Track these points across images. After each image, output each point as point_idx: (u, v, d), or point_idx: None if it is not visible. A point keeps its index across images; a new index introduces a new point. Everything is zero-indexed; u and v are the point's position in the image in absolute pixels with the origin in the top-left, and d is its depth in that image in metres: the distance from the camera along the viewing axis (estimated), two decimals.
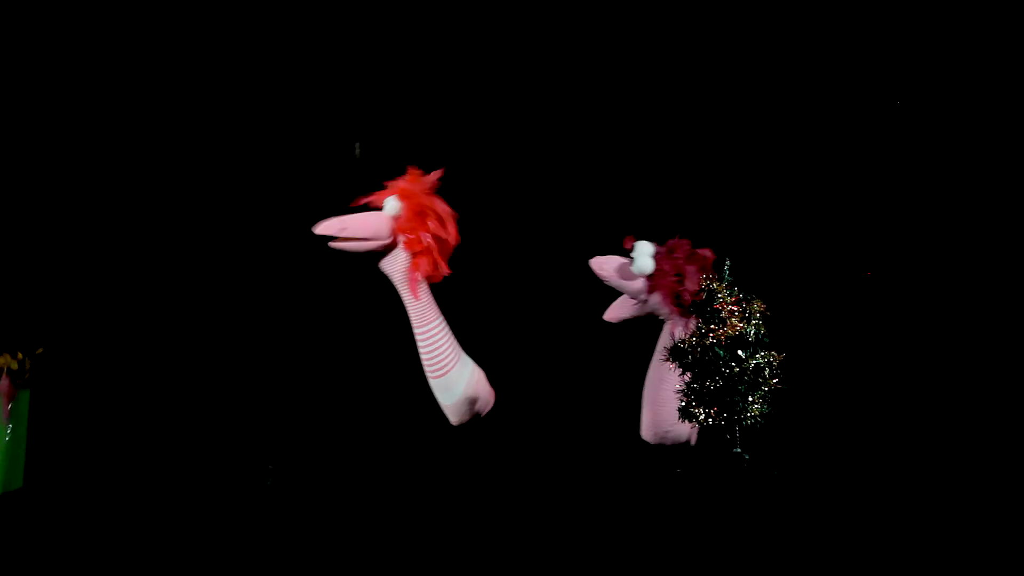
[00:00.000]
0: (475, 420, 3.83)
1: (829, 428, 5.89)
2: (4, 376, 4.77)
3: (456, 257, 4.82)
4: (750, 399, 5.71)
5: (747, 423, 5.71)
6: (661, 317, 3.11)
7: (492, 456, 5.12)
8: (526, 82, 6.17)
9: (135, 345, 5.89)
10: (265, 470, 5.05)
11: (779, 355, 5.83)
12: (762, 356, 5.82)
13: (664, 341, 3.16)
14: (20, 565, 4.09)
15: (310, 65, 5.88)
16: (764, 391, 5.77)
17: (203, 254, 5.85)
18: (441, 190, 4.62)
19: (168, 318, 5.84)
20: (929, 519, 4.52)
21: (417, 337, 3.31)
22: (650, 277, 3.12)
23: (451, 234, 3.47)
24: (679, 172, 6.28)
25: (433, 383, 3.40)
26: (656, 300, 3.09)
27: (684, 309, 3.19)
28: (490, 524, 4.42)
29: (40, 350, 5.08)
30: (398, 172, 4.68)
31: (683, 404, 5.37)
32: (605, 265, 3.19)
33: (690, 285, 3.21)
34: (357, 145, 5.37)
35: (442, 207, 3.37)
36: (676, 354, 4.88)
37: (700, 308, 5.89)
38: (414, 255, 3.30)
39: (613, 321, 3.24)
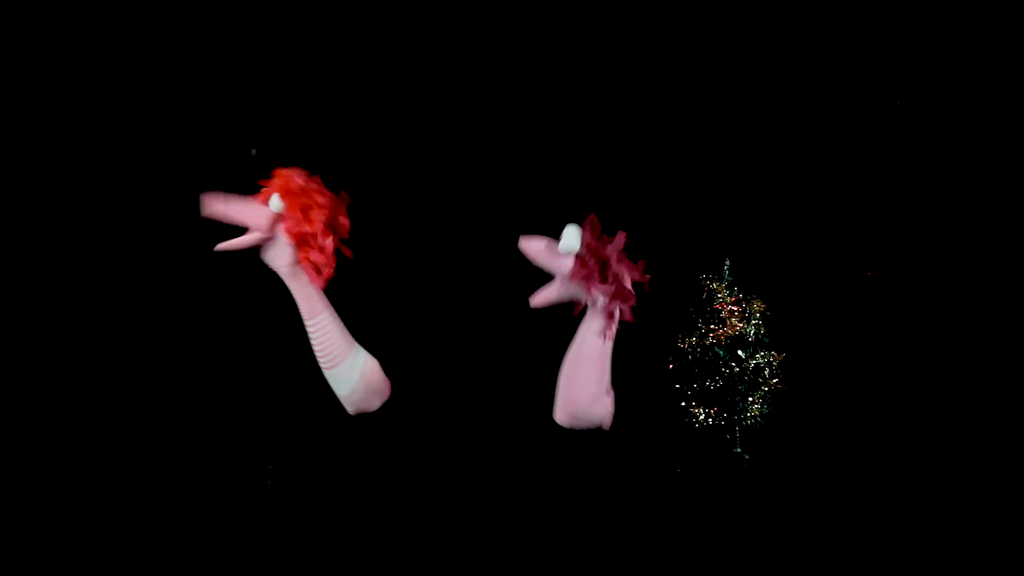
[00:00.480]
0: (376, 409, 3.81)
1: (829, 428, 5.89)
2: None
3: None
4: (750, 399, 5.73)
5: (747, 423, 5.73)
6: (584, 301, 3.08)
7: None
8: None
9: None
10: (266, 470, 5.04)
11: (779, 355, 5.85)
12: (762, 356, 5.84)
13: (586, 324, 3.12)
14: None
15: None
16: (764, 391, 5.79)
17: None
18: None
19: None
20: (929, 518, 4.52)
21: (307, 330, 3.31)
22: (577, 257, 3.09)
23: (341, 224, 3.44)
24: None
25: (326, 374, 3.42)
26: (578, 282, 3.07)
27: (608, 291, 3.15)
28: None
29: None
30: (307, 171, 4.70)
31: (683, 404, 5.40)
32: (534, 244, 3.14)
33: (618, 269, 3.16)
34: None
35: (326, 198, 3.34)
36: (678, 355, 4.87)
37: (700, 308, 5.93)
38: (299, 247, 3.30)
39: (540, 305, 3.20)
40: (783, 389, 5.71)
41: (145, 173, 5.44)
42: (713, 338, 5.71)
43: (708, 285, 6.01)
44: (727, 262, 6.08)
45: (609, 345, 3.27)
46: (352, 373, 3.48)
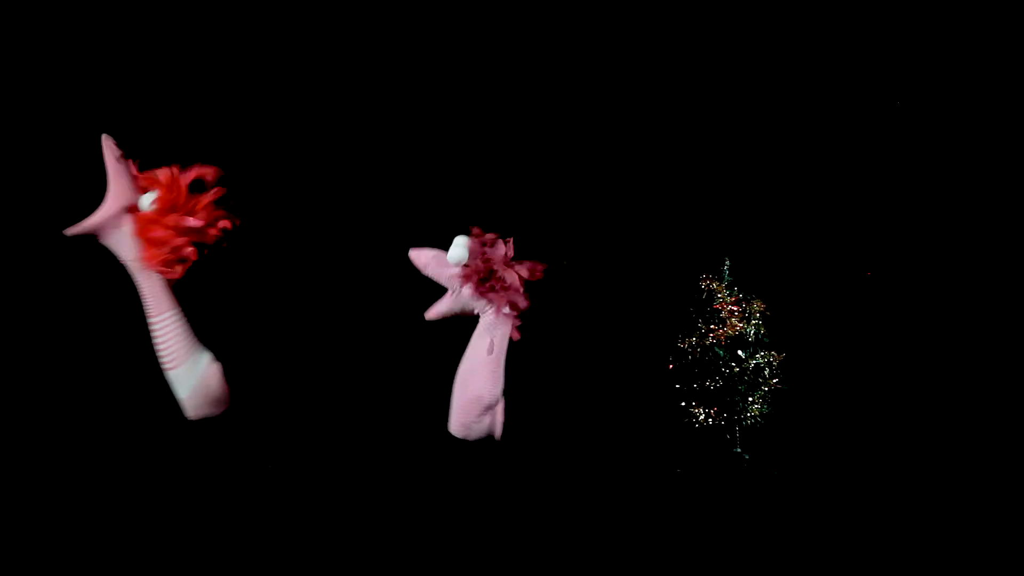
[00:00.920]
0: (215, 415, 3.77)
1: (829, 428, 5.90)
2: None
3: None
4: (750, 399, 5.73)
5: (747, 423, 5.73)
6: (476, 311, 3.06)
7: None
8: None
9: None
10: (266, 468, 5.04)
11: (779, 355, 5.85)
12: (762, 356, 5.84)
13: (477, 335, 3.09)
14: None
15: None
16: (764, 391, 5.79)
17: None
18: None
19: None
20: (929, 518, 4.52)
21: (150, 327, 3.27)
22: (465, 266, 3.07)
23: (200, 226, 3.35)
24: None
25: (166, 375, 3.37)
26: (468, 292, 3.05)
27: (499, 299, 3.14)
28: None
29: None
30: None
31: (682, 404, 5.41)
32: (423, 255, 3.12)
33: (505, 275, 3.14)
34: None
35: (197, 200, 3.28)
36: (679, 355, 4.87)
37: (700, 308, 5.93)
38: (146, 243, 3.24)
39: (435, 318, 3.16)
40: (783, 389, 5.71)
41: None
42: (713, 338, 5.71)
43: (708, 285, 6.01)
44: (727, 262, 6.08)
45: (502, 355, 3.25)
46: (191, 377, 3.42)
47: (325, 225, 5.58)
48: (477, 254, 3.17)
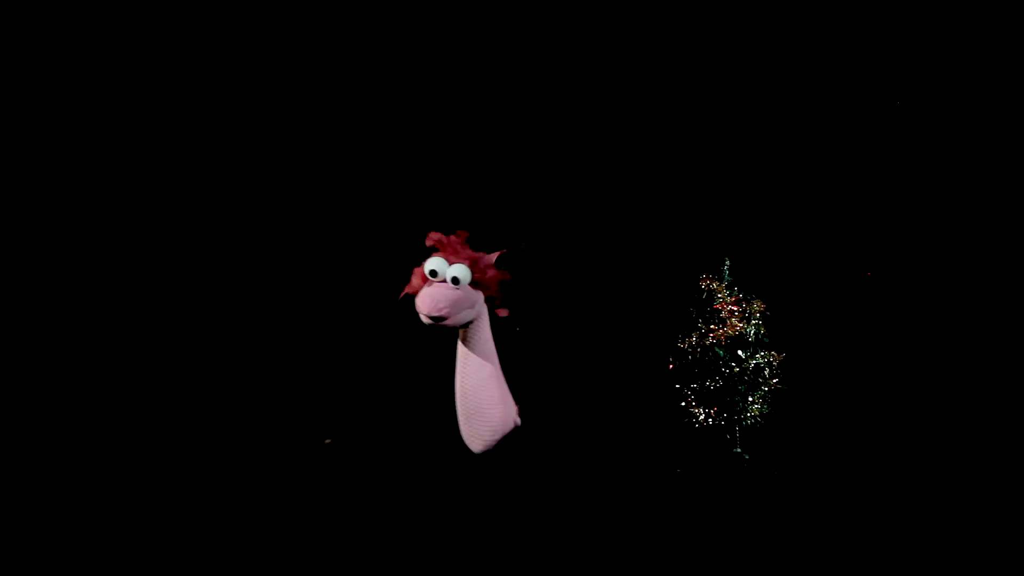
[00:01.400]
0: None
1: (829, 428, 5.90)
2: None
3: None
4: (750, 399, 5.73)
5: (747, 423, 5.73)
6: (469, 323, 3.00)
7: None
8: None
9: None
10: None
11: (779, 355, 5.85)
12: (762, 356, 5.84)
13: (470, 347, 3.01)
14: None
15: None
16: (764, 391, 5.79)
17: None
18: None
19: None
20: (929, 519, 4.52)
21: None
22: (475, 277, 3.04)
23: None
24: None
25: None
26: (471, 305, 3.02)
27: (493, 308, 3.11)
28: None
29: None
30: None
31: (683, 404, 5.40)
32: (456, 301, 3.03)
33: (489, 273, 3.12)
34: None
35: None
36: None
37: (700, 308, 5.91)
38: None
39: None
40: (783, 389, 5.71)
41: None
42: (713, 338, 5.70)
43: (708, 285, 6.01)
44: (727, 262, 6.07)
45: (497, 359, 3.19)
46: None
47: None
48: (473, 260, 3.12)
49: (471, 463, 5.08)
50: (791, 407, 5.84)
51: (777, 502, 4.87)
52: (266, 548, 4.27)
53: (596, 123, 6.40)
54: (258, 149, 5.71)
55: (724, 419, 5.65)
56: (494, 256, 3.23)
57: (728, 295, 5.93)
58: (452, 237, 3.18)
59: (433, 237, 3.08)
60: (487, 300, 3.17)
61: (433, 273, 2.94)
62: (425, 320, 2.95)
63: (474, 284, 2.98)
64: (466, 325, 3.02)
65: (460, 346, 3.11)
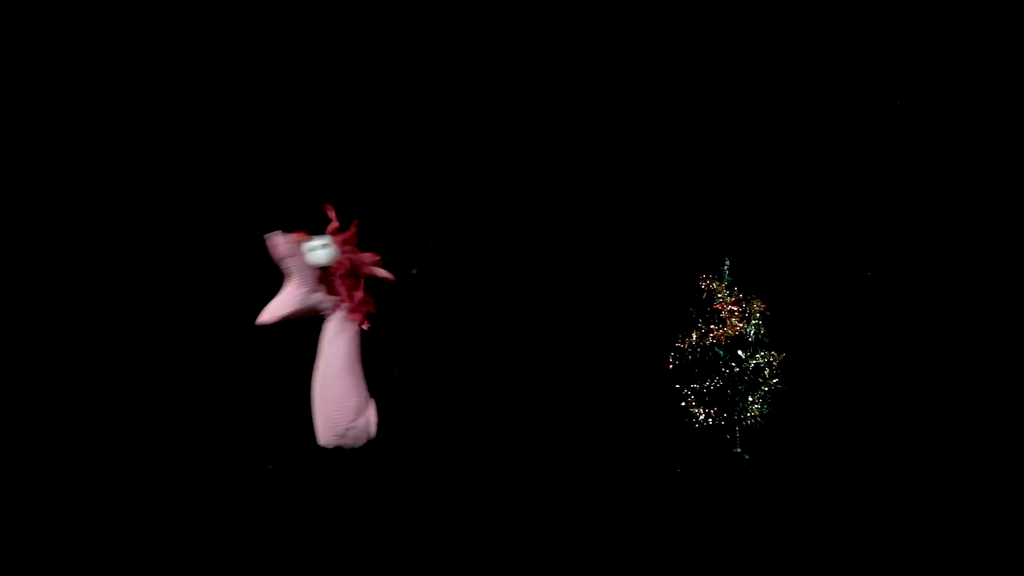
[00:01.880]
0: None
1: (829, 428, 5.90)
2: None
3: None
4: (750, 399, 5.74)
5: (747, 423, 5.73)
6: (324, 314, 2.96)
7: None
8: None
9: None
10: (266, 471, 5.00)
11: (779, 355, 5.86)
12: (762, 356, 5.84)
13: (331, 339, 2.96)
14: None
15: None
16: (764, 391, 5.80)
17: None
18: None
19: None
20: (928, 518, 4.52)
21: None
22: (324, 268, 2.96)
23: None
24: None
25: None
26: (321, 294, 2.96)
27: (359, 297, 3.04)
28: None
29: None
30: None
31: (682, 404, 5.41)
32: (288, 243, 2.94)
33: (367, 271, 3.06)
34: None
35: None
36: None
37: (700, 308, 5.92)
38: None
39: (271, 322, 3.00)
40: (783, 389, 5.71)
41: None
42: (713, 338, 5.71)
43: (708, 285, 6.02)
44: (727, 262, 6.08)
45: (358, 353, 3.12)
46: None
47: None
48: (346, 252, 3.03)
49: (468, 462, 5.09)
50: (791, 407, 5.85)
51: (777, 502, 4.88)
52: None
53: (597, 124, 6.40)
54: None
55: (724, 419, 5.66)
56: (369, 261, 3.15)
57: (728, 295, 5.94)
58: (348, 233, 3.12)
59: (334, 224, 3.04)
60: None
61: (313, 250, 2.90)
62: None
63: (347, 276, 2.94)
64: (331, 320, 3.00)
65: (321, 340, 3.10)
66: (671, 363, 6.04)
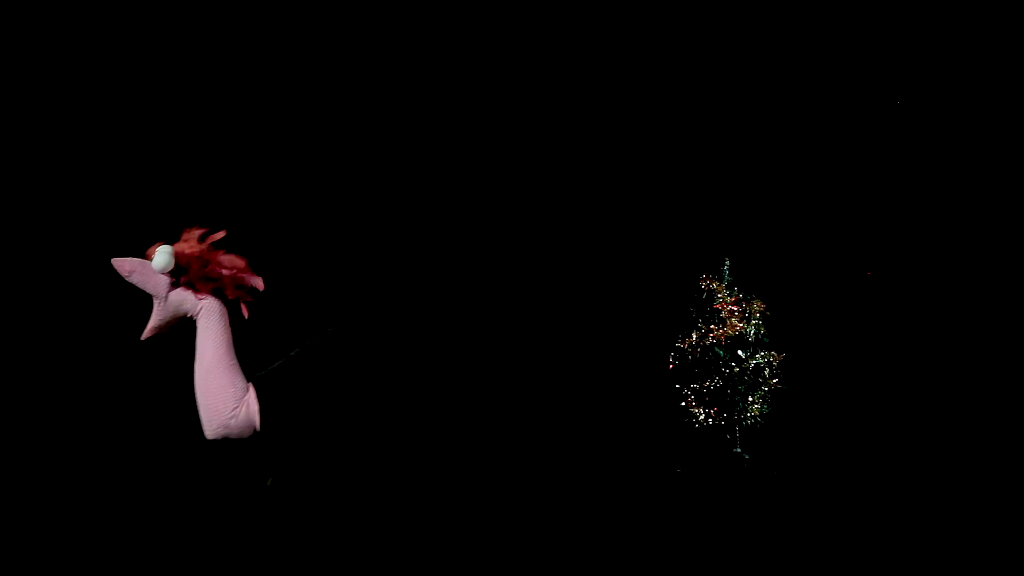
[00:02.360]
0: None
1: (829, 428, 5.90)
2: None
3: None
4: (750, 399, 5.74)
5: (747, 423, 5.74)
6: (190, 315, 2.99)
7: None
8: None
9: None
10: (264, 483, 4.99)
11: (779, 355, 5.86)
12: (762, 356, 5.85)
13: (200, 335, 3.00)
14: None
15: None
16: (764, 391, 5.80)
17: None
18: None
19: None
20: (928, 518, 4.52)
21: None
22: (173, 273, 3.00)
23: None
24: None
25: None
26: (179, 296, 2.99)
27: (220, 295, 3.07)
28: None
29: None
30: None
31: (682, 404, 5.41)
32: (127, 263, 3.00)
33: (224, 269, 3.09)
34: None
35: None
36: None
37: (700, 308, 5.93)
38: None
39: (150, 336, 3.06)
40: (783, 389, 5.71)
41: None
42: (713, 338, 5.71)
43: (708, 285, 6.02)
44: (727, 262, 6.08)
45: (229, 345, 3.15)
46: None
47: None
48: (183, 252, 3.07)
49: (465, 461, 5.09)
50: (791, 407, 5.85)
51: (777, 502, 4.88)
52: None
53: (598, 125, 6.40)
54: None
55: (724, 419, 5.66)
56: (227, 264, 3.20)
57: (728, 295, 5.95)
58: (206, 240, 3.17)
59: (194, 234, 3.10)
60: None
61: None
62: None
63: (203, 279, 2.99)
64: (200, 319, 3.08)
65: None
66: (671, 363, 6.04)
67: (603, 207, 6.31)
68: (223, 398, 3.10)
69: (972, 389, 5.86)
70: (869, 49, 6.20)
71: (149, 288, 3.10)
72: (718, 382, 5.67)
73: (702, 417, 5.68)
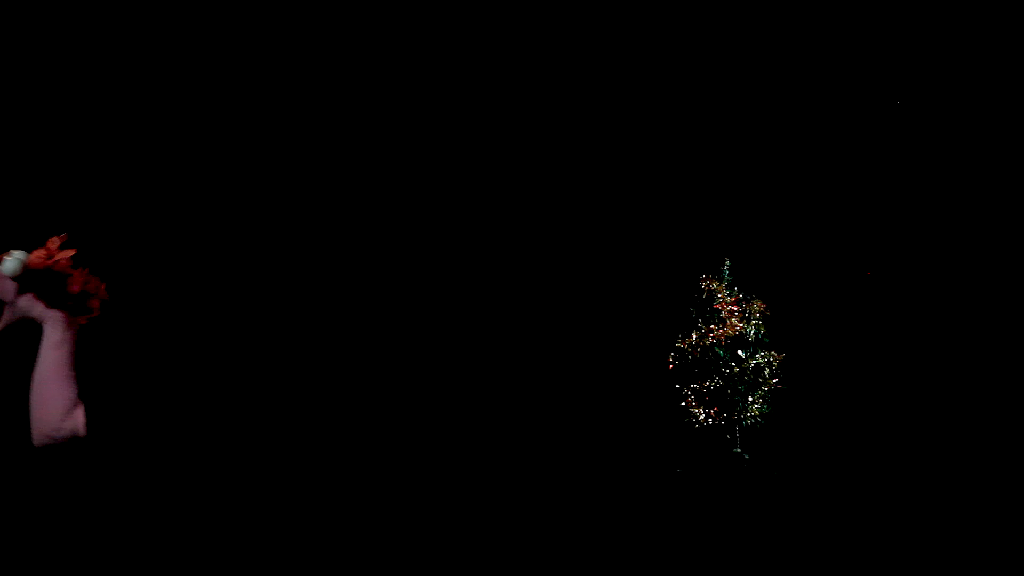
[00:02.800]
0: None
1: (829, 428, 5.91)
2: None
3: None
4: (750, 399, 5.75)
5: (747, 423, 5.75)
6: (38, 320, 3.02)
7: None
8: None
9: None
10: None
11: (779, 355, 5.87)
12: (762, 356, 5.85)
13: (44, 343, 3.04)
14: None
15: None
16: (764, 391, 5.81)
17: None
18: None
19: None
20: (927, 517, 4.53)
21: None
22: (23, 279, 3.03)
23: None
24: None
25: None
26: (27, 301, 3.01)
27: (68, 306, 3.12)
28: None
29: None
30: None
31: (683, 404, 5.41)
32: None
33: (74, 282, 3.14)
34: None
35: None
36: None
37: (700, 308, 5.94)
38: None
39: None
40: (783, 389, 5.72)
41: None
42: (713, 338, 5.72)
43: (708, 285, 6.03)
44: (727, 262, 6.09)
45: (70, 357, 3.20)
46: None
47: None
48: (35, 260, 3.15)
49: (464, 460, 5.09)
50: (791, 407, 5.86)
51: (777, 502, 4.88)
52: None
53: (599, 126, 6.40)
54: None
55: (724, 419, 5.67)
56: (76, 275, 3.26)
57: (728, 295, 5.95)
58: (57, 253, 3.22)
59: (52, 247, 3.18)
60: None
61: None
62: None
63: (52, 291, 3.05)
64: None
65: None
66: (671, 363, 6.05)
67: (604, 208, 6.31)
68: (53, 409, 3.15)
69: (972, 389, 5.86)
70: (869, 50, 6.20)
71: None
72: (718, 382, 5.68)
73: (702, 417, 5.69)
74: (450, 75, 6.12)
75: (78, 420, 3.45)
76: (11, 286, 3.32)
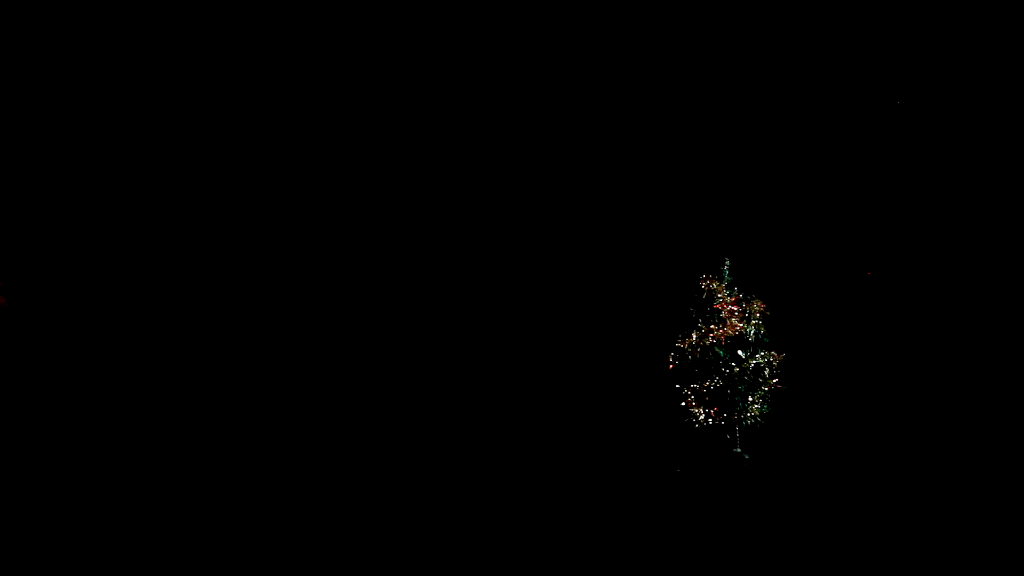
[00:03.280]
0: None
1: (828, 428, 5.90)
2: None
3: None
4: (750, 399, 5.73)
5: (747, 423, 5.73)
6: None
7: None
8: None
9: None
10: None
11: (779, 355, 5.85)
12: (762, 356, 5.84)
13: None
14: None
15: None
16: (764, 391, 5.79)
17: None
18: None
19: None
20: (927, 517, 4.52)
21: None
22: None
23: None
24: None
25: None
26: None
27: None
28: None
29: None
30: None
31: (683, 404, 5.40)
32: None
33: None
34: None
35: None
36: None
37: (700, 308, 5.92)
38: None
39: None
40: (783, 389, 5.71)
41: None
42: (713, 338, 5.71)
43: (708, 285, 6.02)
44: (727, 262, 6.08)
45: None
46: None
47: None
48: None
49: (460, 460, 5.08)
50: (791, 407, 5.85)
51: (777, 502, 4.87)
52: None
53: (599, 127, 6.39)
54: None
55: (724, 419, 5.66)
56: None
57: (728, 295, 5.94)
58: None
59: None
60: None
61: None
62: None
63: None
64: None
65: None
66: (671, 363, 6.04)
67: (604, 208, 6.31)
68: None
69: (971, 388, 5.85)
70: (869, 50, 6.19)
71: None
72: (718, 382, 5.67)
73: (702, 417, 5.68)
74: (450, 75, 6.12)
75: None
76: None
